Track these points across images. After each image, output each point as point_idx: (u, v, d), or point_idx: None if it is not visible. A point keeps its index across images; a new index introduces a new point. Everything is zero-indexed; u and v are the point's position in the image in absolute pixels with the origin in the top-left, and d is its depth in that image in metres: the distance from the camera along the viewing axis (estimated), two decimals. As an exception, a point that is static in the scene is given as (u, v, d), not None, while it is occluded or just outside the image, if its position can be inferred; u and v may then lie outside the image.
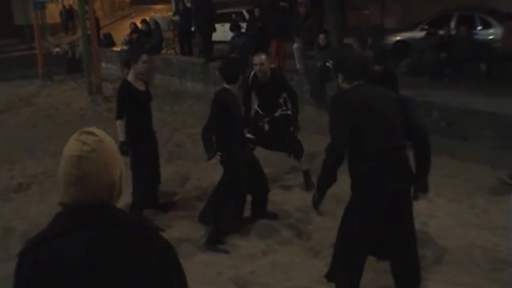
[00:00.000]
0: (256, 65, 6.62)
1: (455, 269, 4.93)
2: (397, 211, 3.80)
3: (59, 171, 1.82)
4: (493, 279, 4.79)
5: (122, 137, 6.02)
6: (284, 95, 6.97)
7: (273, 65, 6.96)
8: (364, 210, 3.79)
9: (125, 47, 17.34)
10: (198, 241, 5.77)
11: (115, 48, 19.01)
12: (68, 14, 28.87)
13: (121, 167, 1.87)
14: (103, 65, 16.08)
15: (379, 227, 3.79)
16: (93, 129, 1.87)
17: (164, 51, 17.23)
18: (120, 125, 6.06)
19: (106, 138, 1.85)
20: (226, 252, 5.58)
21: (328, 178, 3.88)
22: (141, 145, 6.12)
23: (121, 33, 22.73)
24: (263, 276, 5.05)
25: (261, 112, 7.04)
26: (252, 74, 6.83)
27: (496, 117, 8.26)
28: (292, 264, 5.22)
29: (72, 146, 1.80)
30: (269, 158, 7.47)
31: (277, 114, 6.92)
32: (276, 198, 6.77)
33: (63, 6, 29.33)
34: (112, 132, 10.50)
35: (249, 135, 6.95)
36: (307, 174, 7.18)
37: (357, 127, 3.66)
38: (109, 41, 19.20)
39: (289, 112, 7.01)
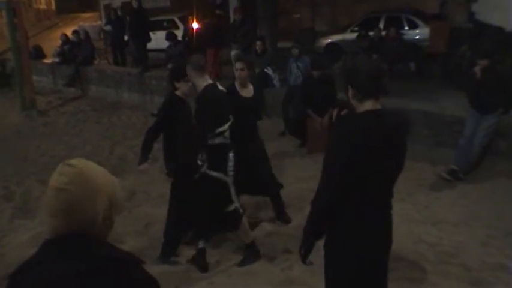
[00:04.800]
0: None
1: (407, 266, 5.13)
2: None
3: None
4: (440, 272, 5.03)
5: None
6: None
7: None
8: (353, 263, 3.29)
9: (57, 59, 17.00)
10: (152, 255, 5.62)
11: (46, 61, 18.51)
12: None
13: (108, 197, 1.84)
14: (34, 78, 15.59)
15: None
16: (74, 160, 1.86)
17: (96, 61, 16.93)
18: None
19: (86, 170, 1.83)
20: (178, 264, 5.61)
21: (316, 232, 3.32)
22: None
23: (49, 43, 22.10)
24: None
25: None
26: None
27: (430, 116, 8.61)
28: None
29: (53, 177, 1.81)
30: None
31: None
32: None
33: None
34: (46, 147, 10.34)
35: None
36: None
37: (353, 174, 3.08)
38: (39, 53, 18.69)
39: None
